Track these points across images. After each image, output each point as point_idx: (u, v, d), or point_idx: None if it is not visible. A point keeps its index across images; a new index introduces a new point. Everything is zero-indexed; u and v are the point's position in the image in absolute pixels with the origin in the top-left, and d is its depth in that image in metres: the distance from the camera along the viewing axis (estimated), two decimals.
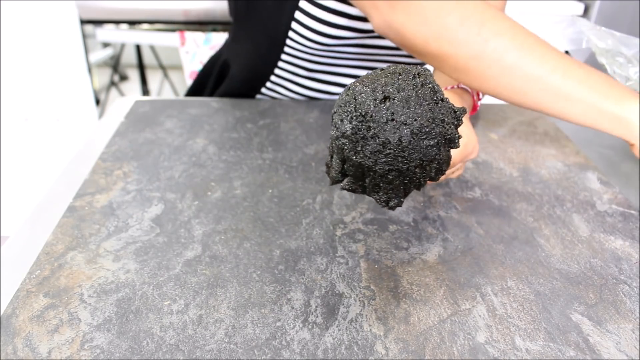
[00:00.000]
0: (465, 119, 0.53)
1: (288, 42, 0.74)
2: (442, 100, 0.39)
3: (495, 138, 0.73)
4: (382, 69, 0.41)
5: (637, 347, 0.41)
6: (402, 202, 0.41)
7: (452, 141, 0.39)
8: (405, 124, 0.37)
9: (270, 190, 0.59)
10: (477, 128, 0.76)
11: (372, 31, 0.70)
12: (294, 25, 0.71)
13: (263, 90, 0.84)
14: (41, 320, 0.41)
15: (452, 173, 0.51)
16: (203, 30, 1.71)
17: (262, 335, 0.40)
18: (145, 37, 1.80)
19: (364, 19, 0.68)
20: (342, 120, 0.39)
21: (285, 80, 0.81)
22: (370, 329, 0.41)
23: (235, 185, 0.59)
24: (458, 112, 0.40)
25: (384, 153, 0.37)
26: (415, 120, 0.37)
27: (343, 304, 0.44)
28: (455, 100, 0.59)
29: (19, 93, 1.62)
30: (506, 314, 0.43)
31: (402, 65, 0.41)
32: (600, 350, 0.40)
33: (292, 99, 0.83)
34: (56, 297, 0.43)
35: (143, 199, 0.56)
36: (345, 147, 0.39)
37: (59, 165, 1.74)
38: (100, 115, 1.93)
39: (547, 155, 0.69)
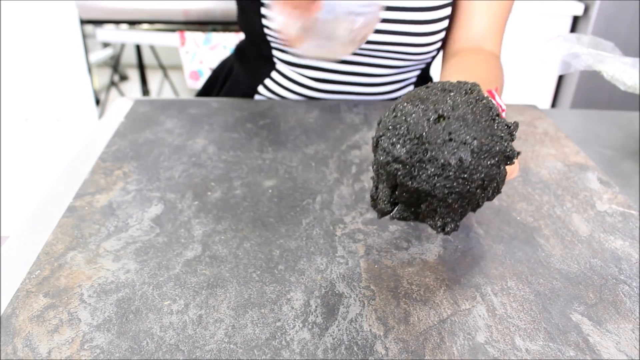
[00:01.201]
0: None
1: (268, 38, 0.76)
2: (498, 115, 0.37)
3: None
4: (427, 87, 0.39)
5: (637, 347, 0.41)
6: (458, 227, 0.39)
7: (510, 158, 0.37)
8: (464, 143, 0.35)
9: (270, 190, 0.59)
10: None
11: None
12: (264, 21, 0.74)
13: (263, 90, 0.84)
14: (41, 320, 0.41)
15: None
16: (203, 30, 1.71)
17: (262, 335, 0.40)
18: (145, 37, 1.80)
19: None
20: (393, 144, 0.36)
21: (285, 79, 0.82)
22: (370, 329, 0.41)
23: (235, 185, 0.59)
24: (512, 127, 0.38)
25: (444, 176, 0.35)
26: (475, 139, 0.35)
27: (343, 304, 0.44)
28: None
29: (19, 93, 1.62)
30: (506, 314, 0.43)
31: (450, 82, 0.39)
32: (600, 351, 0.40)
33: (292, 99, 0.83)
34: (56, 297, 0.43)
35: (143, 199, 0.56)
36: (399, 173, 0.36)
37: (59, 165, 1.74)
38: (100, 115, 1.93)
39: (547, 155, 0.69)
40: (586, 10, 1.74)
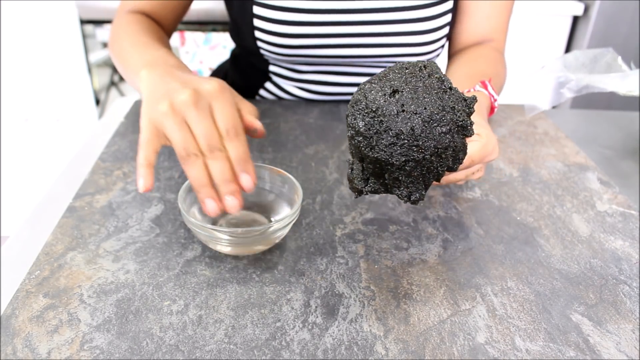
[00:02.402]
0: (483, 120, 0.53)
1: (261, 51, 0.74)
2: (451, 88, 0.40)
3: None
4: (390, 67, 0.42)
5: (637, 347, 0.41)
6: (424, 196, 0.42)
7: (465, 128, 0.40)
8: (415, 114, 0.38)
9: None
10: None
11: (329, 23, 0.70)
12: (259, 43, 0.72)
13: (257, 98, 0.84)
14: (41, 320, 0.41)
15: (472, 174, 0.51)
16: (203, 30, 1.71)
17: (262, 336, 0.40)
18: None
19: (317, 11, 0.69)
20: (355, 119, 0.40)
21: (281, 90, 0.82)
22: (370, 329, 0.41)
23: None
24: (468, 101, 0.41)
25: (399, 144, 0.38)
26: (425, 108, 0.38)
27: (343, 304, 0.43)
28: None
29: (19, 93, 1.62)
30: (506, 314, 0.43)
31: (409, 62, 0.42)
32: (601, 351, 0.40)
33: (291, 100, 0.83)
34: (56, 297, 0.43)
35: (143, 199, 0.56)
36: (361, 145, 0.40)
37: (59, 165, 1.74)
38: (100, 115, 1.93)
39: (547, 155, 0.69)
40: (586, 10, 1.74)
